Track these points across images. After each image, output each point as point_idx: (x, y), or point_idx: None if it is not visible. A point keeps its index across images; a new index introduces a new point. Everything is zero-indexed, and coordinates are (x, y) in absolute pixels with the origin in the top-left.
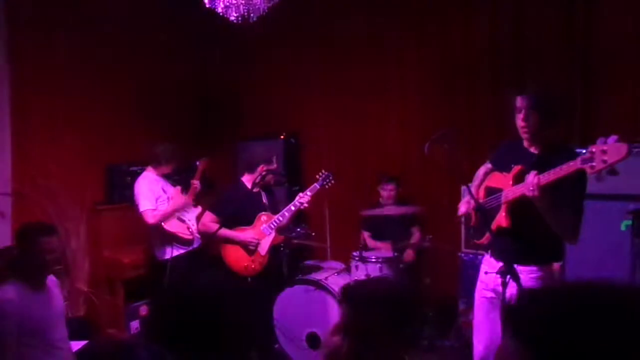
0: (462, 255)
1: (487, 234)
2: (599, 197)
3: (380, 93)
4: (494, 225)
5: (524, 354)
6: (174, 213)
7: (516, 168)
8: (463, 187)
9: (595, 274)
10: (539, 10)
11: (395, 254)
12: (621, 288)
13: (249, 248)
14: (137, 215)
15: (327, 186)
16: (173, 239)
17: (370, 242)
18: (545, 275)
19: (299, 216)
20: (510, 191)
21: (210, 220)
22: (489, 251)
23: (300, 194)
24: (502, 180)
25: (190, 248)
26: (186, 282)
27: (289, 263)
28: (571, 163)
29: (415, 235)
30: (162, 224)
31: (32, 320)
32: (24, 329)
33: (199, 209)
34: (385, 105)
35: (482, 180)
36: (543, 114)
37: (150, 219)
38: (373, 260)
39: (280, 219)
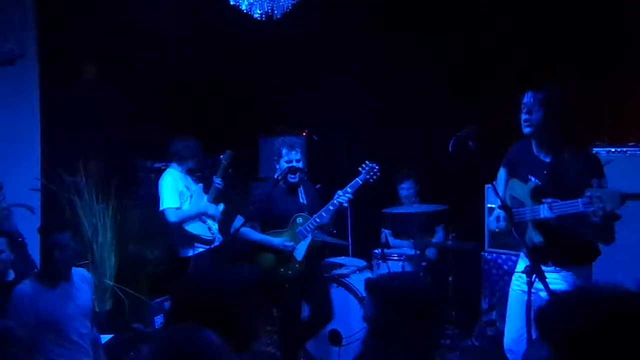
0: (486, 254)
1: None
2: (630, 197)
3: (400, 89)
4: (528, 240)
5: (554, 357)
6: (197, 216)
7: (532, 185)
8: (487, 186)
9: (624, 276)
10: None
11: (418, 251)
12: None
13: (285, 253)
14: (159, 213)
15: (371, 180)
16: (194, 239)
17: (392, 241)
18: (579, 278)
19: None
20: (531, 212)
21: (242, 225)
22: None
23: (339, 192)
24: (522, 193)
25: (212, 246)
26: (207, 278)
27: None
28: (575, 204)
29: (440, 234)
30: (184, 224)
31: (46, 314)
32: (39, 323)
33: (221, 207)
34: (407, 102)
35: (507, 186)
36: (550, 112)
37: (172, 217)
38: (395, 258)
39: (318, 220)
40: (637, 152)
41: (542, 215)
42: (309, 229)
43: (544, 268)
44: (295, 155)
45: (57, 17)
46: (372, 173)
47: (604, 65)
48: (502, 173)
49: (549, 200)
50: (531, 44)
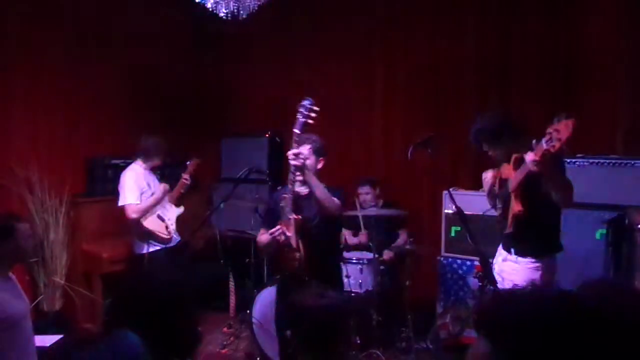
0: (442, 259)
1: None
2: (575, 206)
3: (365, 96)
4: (511, 213)
5: (494, 354)
6: (155, 207)
7: (514, 157)
8: (444, 192)
9: (570, 281)
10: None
11: (376, 255)
12: (583, 298)
13: (285, 246)
14: (119, 208)
15: (311, 118)
16: (149, 236)
17: (351, 240)
18: (542, 266)
19: None
20: (515, 177)
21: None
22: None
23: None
24: (508, 170)
25: (167, 246)
26: (156, 277)
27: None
28: (540, 144)
29: (402, 238)
30: (141, 220)
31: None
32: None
33: (182, 209)
34: (370, 109)
35: (493, 184)
36: (493, 142)
37: (132, 213)
38: (354, 261)
39: (290, 195)
40: (585, 164)
41: (527, 160)
42: (289, 208)
43: (519, 259)
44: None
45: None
46: (309, 109)
47: (556, 81)
48: (488, 173)
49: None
50: (489, 55)
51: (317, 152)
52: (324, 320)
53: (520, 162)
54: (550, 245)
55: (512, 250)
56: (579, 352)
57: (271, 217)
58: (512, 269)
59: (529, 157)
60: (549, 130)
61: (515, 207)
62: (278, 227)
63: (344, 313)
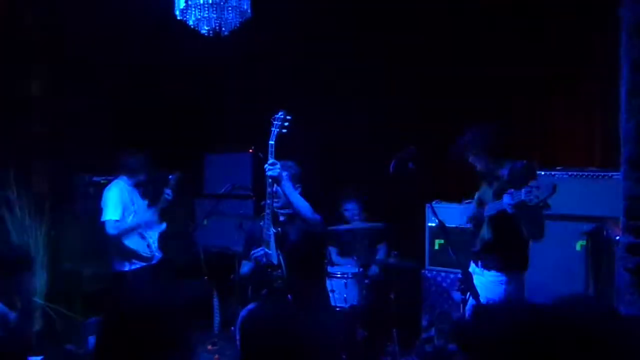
0: (426, 272)
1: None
2: (555, 218)
3: (347, 108)
4: (480, 236)
5: None
6: (137, 229)
7: (495, 186)
8: (427, 205)
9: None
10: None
11: (361, 269)
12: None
13: (267, 266)
14: (100, 226)
15: (284, 128)
16: (131, 254)
17: (336, 259)
18: (506, 280)
19: None
20: (494, 206)
21: None
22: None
23: (266, 166)
24: (487, 195)
25: (150, 263)
26: (143, 294)
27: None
28: (519, 193)
29: (382, 252)
30: (122, 238)
31: None
32: None
33: (164, 225)
34: (352, 121)
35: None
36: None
37: (112, 229)
38: (338, 276)
39: (268, 211)
40: (564, 176)
41: (504, 202)
42: (268, 224)
43: (487, 273)
44: None
45: None
46: (282, 120)
47: (535, 95)
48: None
49: (511, 190)
50: (468, 68)
51: (294, 178)
52: None
53: (502, 188)
54: (516, 261)
55: (479, 263)
56: None
57: (251, 247)
58: (479, 282)
59: (506, 199)
60: (532, 183)
61: (486, 233)
62: (260, 248)
63: None
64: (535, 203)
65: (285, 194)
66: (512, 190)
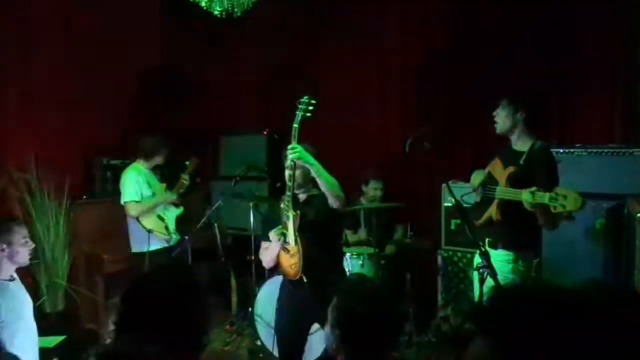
0: (442, 252)
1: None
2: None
3: (361, 90)
4: (487, 214)
5: (493, 353)
6: (156, 208)
7: (509, 169)
8: (443, 185)
9: (570, 271)
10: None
11: (376, 249)
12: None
13: (284, 247)
14: (120, 206)
15: (308, 112)
16: (150, 236)
17: (351, 237)
18: (517, 259)
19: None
20: (506, 193)
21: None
22: None
23: (287, 151)
24: (500, 174)
25: (168, 245)
26: (162, 275)
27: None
28: (542, 196)
29: (399, 232)
30: (140, 219)
31: (15, 308)
32: (13, 318)
33: (181, 209)
34: (366, 103)
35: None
36: (510, 111)
37: (133, 210)
38: (355, 255)
39: (288, 193)
40: (584, 153)
41: (523, 198)
42: (288, 206)
43: (494, 252)
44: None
45: None
46: (307, 105)
47: (553, 72)
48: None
49: (534, 188)
50: (489, 46)
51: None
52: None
53: (511, 177)
54: (526, 242)
55: (486, 241)
56: (576, 350)
57: (269, 228)
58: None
59: (526, 196)
60: (557, 191)
61: (494, 213)
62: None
63: None
64: (559, 212)
65: (315, 173)
66: (535, 188)
